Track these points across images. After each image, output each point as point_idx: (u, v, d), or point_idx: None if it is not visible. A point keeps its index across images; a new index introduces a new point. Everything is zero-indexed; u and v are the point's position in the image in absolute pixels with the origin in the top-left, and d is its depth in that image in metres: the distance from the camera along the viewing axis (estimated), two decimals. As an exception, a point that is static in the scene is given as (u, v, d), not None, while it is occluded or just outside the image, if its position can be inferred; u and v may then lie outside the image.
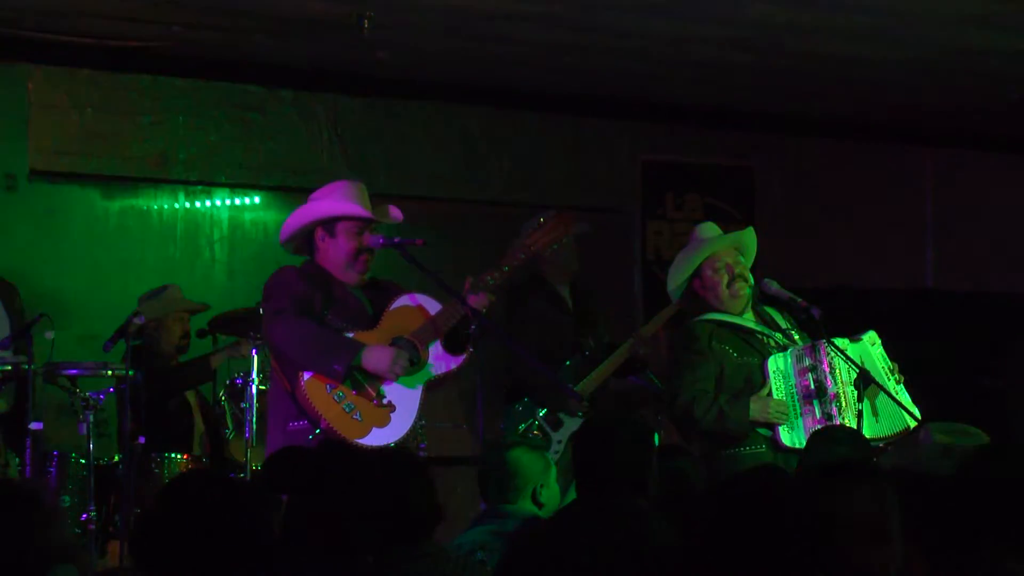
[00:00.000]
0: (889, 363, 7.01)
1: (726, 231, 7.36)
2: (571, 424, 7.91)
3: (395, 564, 4.53)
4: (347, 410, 6.32)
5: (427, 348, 6.49)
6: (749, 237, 7.29)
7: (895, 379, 6.97)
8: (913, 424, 6.88)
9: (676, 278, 7.21)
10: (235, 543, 3.67)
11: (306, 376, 6.34)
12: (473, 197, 10.76)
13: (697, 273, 7.16)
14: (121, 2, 8.49)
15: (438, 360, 6.52)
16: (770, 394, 6.91)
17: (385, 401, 6.38)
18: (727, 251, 7.16)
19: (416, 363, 6.44)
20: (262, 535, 3.77)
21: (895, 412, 6.90)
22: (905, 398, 6.92)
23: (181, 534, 3.67)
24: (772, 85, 10.56)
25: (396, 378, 6.38)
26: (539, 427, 7.97)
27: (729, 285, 7.10)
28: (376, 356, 6.34)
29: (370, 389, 6.37)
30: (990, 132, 12.12)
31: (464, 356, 6.50)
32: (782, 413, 6.87)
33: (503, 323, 7.96)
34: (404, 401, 6.42)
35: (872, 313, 9.72)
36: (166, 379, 8.49)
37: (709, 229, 7.29)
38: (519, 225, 8.28)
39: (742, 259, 7.20)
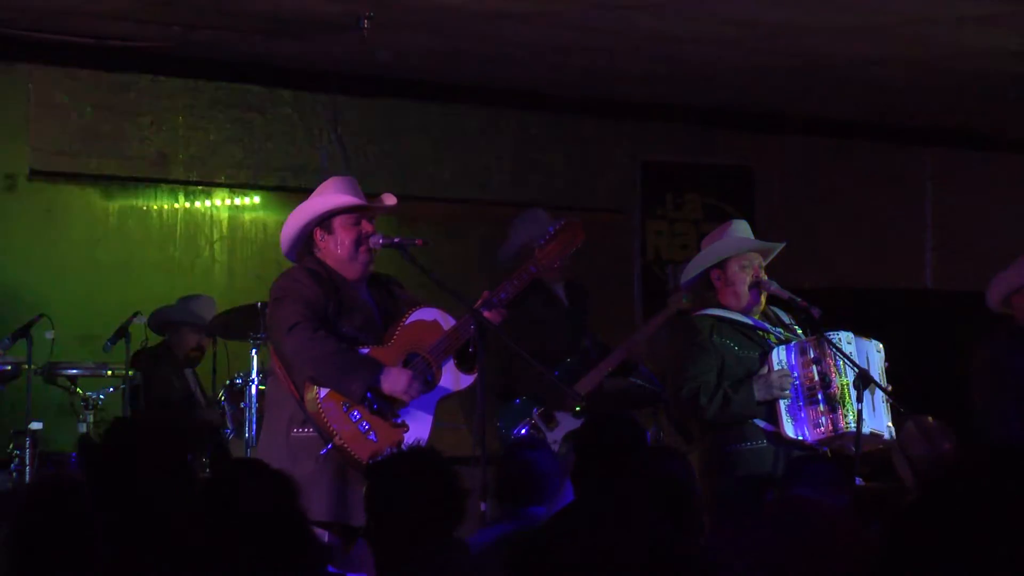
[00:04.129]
0: (886, 380, 7.01)
1: None
2: (567, 423, 7.91)
3: (414, 562, 4.51)
4: (362, 430, 6.27)
5: (441, 366, 6.45)
6: (775, 249, 7.28)
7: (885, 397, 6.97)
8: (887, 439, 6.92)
9: (699, 266, 7.17)
10: (279, 536, 3.62)
11: (322, 393, 6.28)
12: (473, 197, 10.76)
13: (720, 265, 7.13)
14: (121, 2, 8.49)
15: (450, 378, 6.48)
16: (769, 370, 6.90)
17: (399, 421, 6.35)
18: (756, 255, 7.15)
19: (430, 382, 6.40)
20: (305, 527, 3.73)
21: (880, 421, 6.91)
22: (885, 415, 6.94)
23: (224, 526, 3.62)
24: (772, 85, 10.57)
25: (410, 400, 6.34)
26: (535, 426, 7.97)
27: (752, 287, 7.09)
28: (393, 379, 6.28)
29: (386, 409, 6.32)
30: (990, 132, 12.13)
31: (476, 374, 6.44)
32: (783, 388, 6.87)
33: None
34: (417, 421, 6.38)
35: (872, 313, 9.74)
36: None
37: (745, 228, 7.27)
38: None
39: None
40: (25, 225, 9.48)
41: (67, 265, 9.54)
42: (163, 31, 9.06)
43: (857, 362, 6.85)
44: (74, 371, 8.11)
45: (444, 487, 4.51)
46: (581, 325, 8.32)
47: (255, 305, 8.17)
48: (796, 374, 6.93)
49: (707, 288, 7.16)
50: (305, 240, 6.56)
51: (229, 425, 8.42)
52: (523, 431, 7.96)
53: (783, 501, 5.09)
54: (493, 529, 5.61)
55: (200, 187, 10.07)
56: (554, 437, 7.93)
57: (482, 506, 5.88)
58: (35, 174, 9.48)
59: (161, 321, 8.76)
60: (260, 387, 8.03)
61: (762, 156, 11.73)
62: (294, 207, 6.66)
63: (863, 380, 6.74)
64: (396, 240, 6.55)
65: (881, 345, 7.08)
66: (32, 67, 9.42)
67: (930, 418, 7.08)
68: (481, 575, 4.61)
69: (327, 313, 6.37)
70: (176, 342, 8.86)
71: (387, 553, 4.52)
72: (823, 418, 6.87)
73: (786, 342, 7.04)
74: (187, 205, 10.06)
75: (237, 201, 10.20)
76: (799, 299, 7.08)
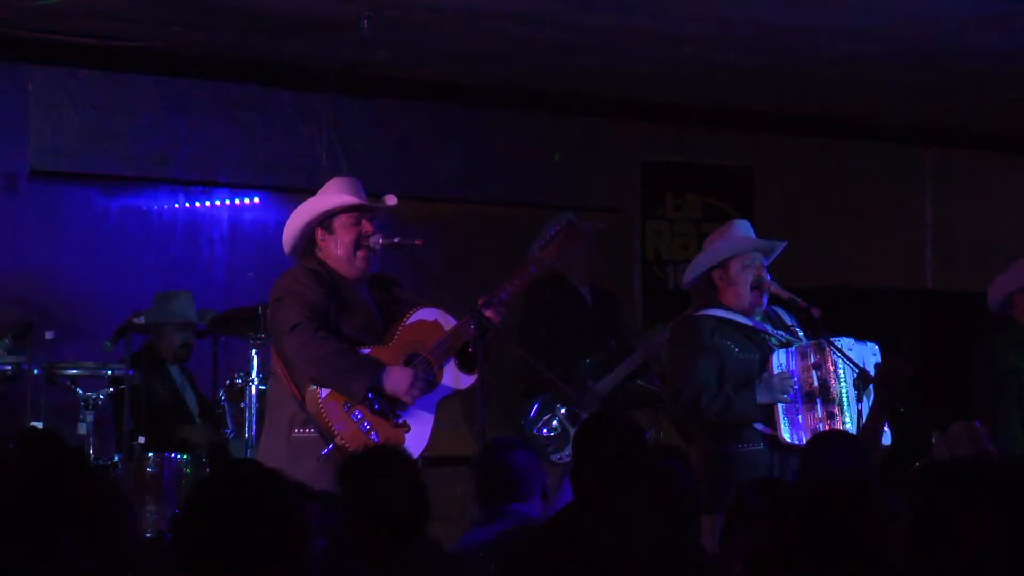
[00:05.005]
0: None
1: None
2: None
3: (385, 565, 4.51)
4: (363, 430, 6.26)
5: (442, 366, 6.45)
6: (777, 249, 7.28)
7: None
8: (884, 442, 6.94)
9: (701, 265, 7.17)
10: (278, 539, 3.61)
11: (323, 393, 6.28)
12: (473, 197, 10.76)
13: (722, 264, 7.13)
14: (121, 2, 8.49)
15: (451, 378, 6.48)
16: (770, 374, 6.91)
17: (400, 421, 6.34)
18: (758, 254, 7.15)
19: (432, 382, 6.40)
20: (303, 530, 3.73)
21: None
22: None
23: (222, 531, 3.61)
24: (772, 85, 10.57)
25: (412, 401, 6.33)
26: (560, 423, 7.99)
27: (753, 287, 7.09)
28: (395, 378, 6.27)
29: (387, 409, 6.32)
30: (990, 132, 12.13)
31: (476, 374, 6.43)
32: (785, 391, 6.88)
33: (520, 316, 8.01)
34: (418, 421, 6.38)
35: (872, 313, 9.74)
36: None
37: (747, 228, 7.27)
38: (519, 226, 8.31)
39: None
40: (25, 225, 9.48)
41: (67, 265, 9.54)
42: (163, 31, 9.06)
43: (857, 364, 6.86)
44: (74, 371, 8.10)
45: (408, 485, 4.54)
46: (606, 326, 8.35)
47: (255, 305, 8.17)
48: (795, 378, 6.94)
49: (709, 288, 7.16)
50: (306, 240, 6.57)
51: (229, 425, 8.42)
52: (544, 430, 7.99)
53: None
54: (487, 529, 5.60)
55: (200, 187, 10.07)
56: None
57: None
58: (35, 174, 9.47)
59: (144, 324, 8.71)
60: (260, 387, 8.03)
61: (762, 156, 11.73)
62: (294, 207, 6.67)
63: (863, 380, 6.75)
64: (396, 240, 6.55)
65: (877, 347, 7.09)
66: (32, 67, 9.42)
67: (976, 422, 7.08)
68: (462, 573, 4.63)
69: (328, 313, 6.36)
70: (161, 343, 8.83)
71: (365, 551, 4.54)
72: (820, 424, 6.88)
73: (787, 345, 7.05)
74: (187, 205, 10.06)
75: (237, 201, 10.19)
76: (799, 299, 7.09)
